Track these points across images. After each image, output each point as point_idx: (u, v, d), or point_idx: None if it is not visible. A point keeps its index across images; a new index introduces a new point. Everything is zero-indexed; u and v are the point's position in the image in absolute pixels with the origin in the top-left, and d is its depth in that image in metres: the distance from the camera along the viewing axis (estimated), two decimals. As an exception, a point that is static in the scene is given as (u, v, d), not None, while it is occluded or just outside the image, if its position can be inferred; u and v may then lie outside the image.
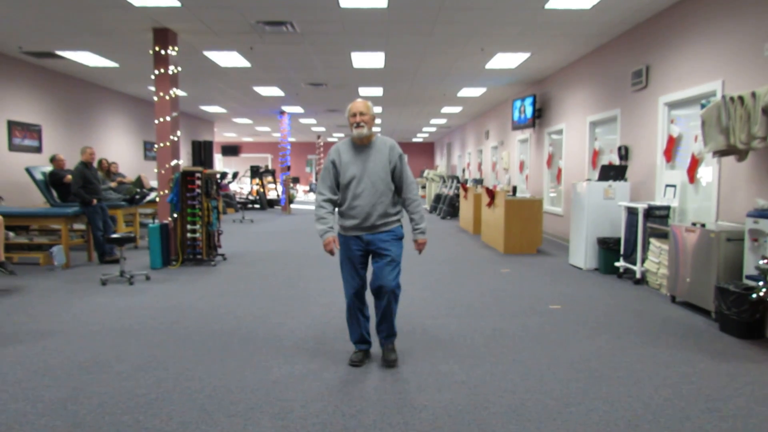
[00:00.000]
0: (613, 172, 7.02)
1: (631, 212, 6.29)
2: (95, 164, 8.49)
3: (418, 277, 6.39)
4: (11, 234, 7.91)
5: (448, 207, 15.07)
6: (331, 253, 3.40)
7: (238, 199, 18.35)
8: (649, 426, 2.65)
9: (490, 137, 16.26)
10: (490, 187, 9.57)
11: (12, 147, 9.17)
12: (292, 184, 21.57)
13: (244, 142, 29.94)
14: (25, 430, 2.66)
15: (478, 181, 14.96)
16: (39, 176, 8.40)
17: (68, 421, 2.76)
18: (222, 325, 4.46)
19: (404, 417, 2.76)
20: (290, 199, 17.70)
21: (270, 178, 20.28)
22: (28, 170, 8.43)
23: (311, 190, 28.49)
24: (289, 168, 17.55)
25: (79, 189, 7.30)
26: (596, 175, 8.12)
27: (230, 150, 25.65)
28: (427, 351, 3.78)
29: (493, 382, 3.21)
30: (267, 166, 27.22)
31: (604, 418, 2.73)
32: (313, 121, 19.92)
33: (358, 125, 3.41)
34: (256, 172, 19.56)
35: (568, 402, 2.93)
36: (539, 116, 11.29)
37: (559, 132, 10.32)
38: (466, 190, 12.28)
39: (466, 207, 12.10)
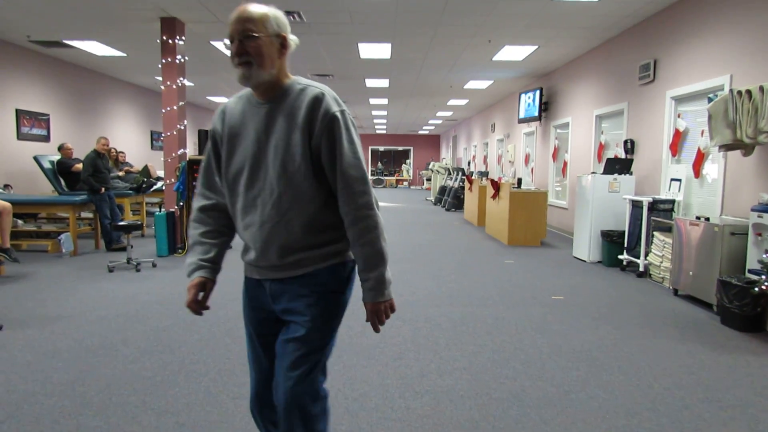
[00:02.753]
0: (618, 166, 7.02)
1: (636, 205, 6.30)
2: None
3: (422, 267, 6.42)
4: (20, 222, 8.00)
5: (453, 199, 15.08)
6: (194, 310, 1.77)
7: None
8: (648, 414, 2.68)
9: (496, 130, 16.24)
10: (495, 180, 9.58)
11: (20, 136, 9.23)
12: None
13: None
14: (34, 410, 2.72)
15: (484, 174, 14.97)
16: (47, 165, 8.47)
17: (76, 401, 2.82)
18: (227, 311, 4.51)
19: (406, 401, 2.80)
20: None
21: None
22: (36, 159, 8.50)
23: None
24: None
25: (88, 177, 7.36)
26: (602, 168, 8.12)
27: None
28: (430, 339, 3.82)
29: (494, 369, 3.25)
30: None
31: (604, 406, 2.77)
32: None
33: (240, 57, 1.56)
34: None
35: (569, 389, 2.97)
36: (545, 109, 11.27)
37: (566, 125, 10.30)
38: (471, 182, 12.28)
39: (470, 199, 12.12)
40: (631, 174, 6.98)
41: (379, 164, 31.00)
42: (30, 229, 8.03)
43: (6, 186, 8.58)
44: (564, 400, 2.83)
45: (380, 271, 1.61)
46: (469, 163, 21.01)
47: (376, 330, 1.68)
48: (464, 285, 5.54)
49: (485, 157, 18.03)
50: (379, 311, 1.63)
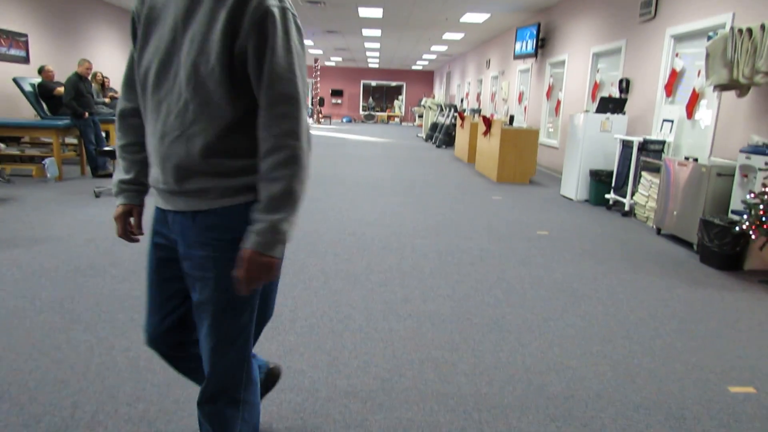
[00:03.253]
0: (611, 105, 6.96)
1: (626, 145, 6.29)
2: (90, 78, 8.32)
3: (411, 201, 6.45)
4: (2, 145, 7.84)
5: (444, 136, 14.97)
6: (127, 240, 1.55)
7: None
8: (622, 341, 2.79)
9: (491, 66, 15.93)
10: (487, 117, 9.48)
11: (-1, 55, 8.90)
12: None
13: (239, 63, 29.13)
14: (24, 324, 2.76)
15: (476, 111, 14.80)
16: (28, 88, 8.20)
17: (66, 317, 2.86)
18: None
19: (389, 324, 2.88)
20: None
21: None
22: (15, 81, 8.23)
23: (308, 114, 28.07)
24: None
25: (71, 101, 7.17)
26: (595, 107, 8.05)
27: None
28: (415, 267, 3.89)
29: (476, 297, 3.33)
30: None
31: (580, 333, 2.87)
32: (310, 42, 19.34)
33: None
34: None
35: (547, 317, 3.06)
36: (542, 46, 11.02)
37: (561, 63, 10.11)
38: (463, 119, 12.16)
39: (462, 136, 12.04)
40: (623, 114, 6.93)
41: (371, 100, 30.46)
42: (13, 153, 7.89)
43: (-13, 107, 8.34)
44: (542, 326, 2.93)
45: (282, 217, 1.23)
46: (462, 100, 20.72)
47: (240, 291, 1.27)
48: (451, 219, 5.59)
49: (479, 95, 17.77)
50: (255, 266, 1.24)
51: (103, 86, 10.06)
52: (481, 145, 9.80)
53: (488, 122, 9.24)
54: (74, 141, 8.49)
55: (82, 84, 7.30)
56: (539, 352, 2.61)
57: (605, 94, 8.14)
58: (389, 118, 30.34)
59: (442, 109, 16.99)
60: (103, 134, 7.82)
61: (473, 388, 2.25)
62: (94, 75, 9.79)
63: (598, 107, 7.04)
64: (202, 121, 1.24)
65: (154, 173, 1.35)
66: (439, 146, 15.04)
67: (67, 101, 7.21)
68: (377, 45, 19.26)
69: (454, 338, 2.73)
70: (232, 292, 1.32)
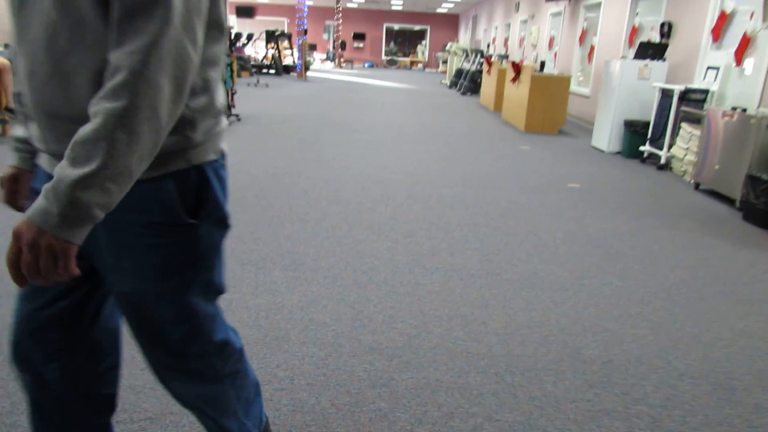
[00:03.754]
0: (651, 51, 6.54)
1: (666, 94, 5.94)
2: None
3: (435, 148, 6.23)
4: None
5: (469, 83, 14.48)
6: (14, 207, 1.16)
7: (252, 63, 17.72)
8: (662, 303, 2.63)
9: (521, 10, 15.19)
10: (517, 62, 9.05)
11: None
12: (308, 51, 20.71)
13: (259, 4, 28.35)
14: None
15: (503, 57, 14.23)
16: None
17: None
18: (235, 180, 4.41)
19: (415, 277, 2.76)
20: (306, 66, 17.06)
21: (286, 43, 19.43)
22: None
23: (328, 58, 27.44)
24: (305, 32, 16.71)
25: None
26: (632, 53, 7.60)
27: (245, 11, 24.33)
28: (441, 218, 3.73)
29: (506, 251, 3.18)
30: (283, 31, 26.03)
31: (617, 293, 2.71)
32: (332, -19, 18.60)
33: None
34: (271, 35, 18.69)
35: (582, 275, 2.91)
36: (578, -13, 10.39)
37: (597, 6, 9.54)
38: (490, 64, 11.68)
39: (488, 82, 11.60)
40: (664, 60, 6.52)
41: (392, 44, 29.56)
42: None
43: (6, 45, 8.18)
44: (576, 284, 2.78)
45: (84, 174, 0.78)
46: (488, 45, 19.95)
47: (16, 280, 0.84)
48: (478, 168, 5.38)
49: (506, 40, 17.06)
50: (28, 247, 0.80)
51: None
52: (508, 92, 9.42)
53: (517, 68, 8.84)
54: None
55: None
56: (574, 312, 2.47)
57: (644, 39, 7.67)
58: (412, 63, 29.52)
59: (467, 55, 16.38)
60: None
61: (505, 349, 2.13)
62: None
63: (637, 53, 6.63)
64: (78, 52, 0.86)
65: (32, 127, 0.98)
66: (464, 93, 14.58)
67: None
68: (402, -16, 18.43)
69: (483, 294, 2.60)
70: (163, 295, 1.03)
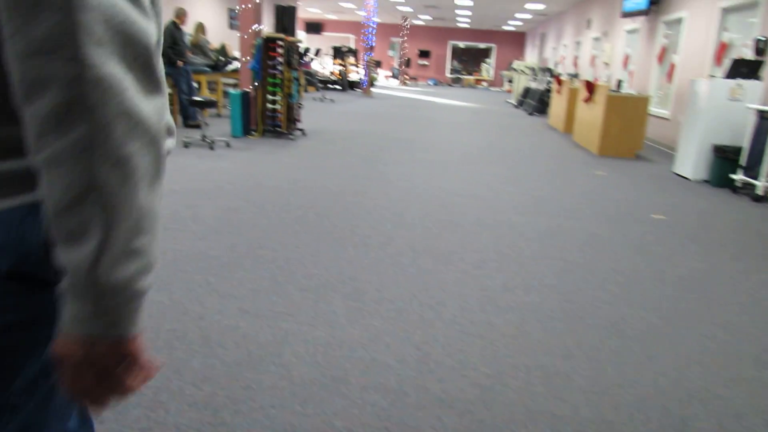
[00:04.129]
0: (745, 69, 6.02)
1: (764, 117, 5.42)
2: (196, 29, 8.37)
3: (503, 171, 5.95)
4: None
5: (537, 102, 14.05)
6: None
7: (319, 79, 17.96)
8: (776, 362, 2.27)
9: (592, 27, 14.66)
10: (590, 81, 8.63)
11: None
12: (374, 67, 20.85)
13: (327, 20, 28.91)
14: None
15: (573, 76, 13.73)
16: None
17: (142, 275, 2.70)
18: (298, 198, 4.30)
19: (487, 316, 2.51)
20: (371, 82, 17.12)
21: (352, 59, 19.62)
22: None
23: (394, 75, 27.54)
24: (372, 48, 16.78)
25: (167, 48, 7.14)
26: (721, 72, 7.06)
27: (313, 27, 24.85)
28: (513, 248, 3.46)
29: (588, 290, 2.88)
30: (350, 47, 26.40)
31: (724, 349, 2.36)
32: (401, -2, 18.67)
33: None
34: (338, 51, 18.92)
35: (678, 324, 2.57)
36: (656, 2, 9.86)
37: (678, 21, 8.99)
38: (560, 83, 11.26)
39: (558, 102, 11.17)
40: (759, 79, 5.99)
41: (455, 63, 29.34)
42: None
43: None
44: (673, 335, 2.45)
45: (88, 251, 0.54)
46: (556, 64, 19.41)
47: (84, 401, 0.63)
48: (549, 194, 5.06)
49: (575, 59, 16.51)
50: (87, 360, 0.58)
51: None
52: (580, 113, 8.99)
53: (591, 87, 8.42)
54: (168, 90, 8.55)
55: (177, 32, 7.26)
56: (674, 370, 2.15)
57: (735, 56, 7.12)
58: (477, 81, 29.19)
59: (535, 74, 15.95)
60: (195, 85, 7.80)
61: (594, 412, 1.85)
62: (200, 26, 9.65)
63: (729, 71, 6.12)
64: None
65: None
66: (531, 113, 14.16)
67: (163, 49, 7.19)
68: (470, 2, 18.27)
69: (565, 341, 2.32)
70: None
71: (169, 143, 0.78)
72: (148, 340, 2.12)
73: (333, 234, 3.50)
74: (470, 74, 29.56)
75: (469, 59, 29.89)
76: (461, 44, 29.28)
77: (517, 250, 3.43)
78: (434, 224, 3.86)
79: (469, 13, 21.73)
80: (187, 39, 8.26)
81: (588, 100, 8.54)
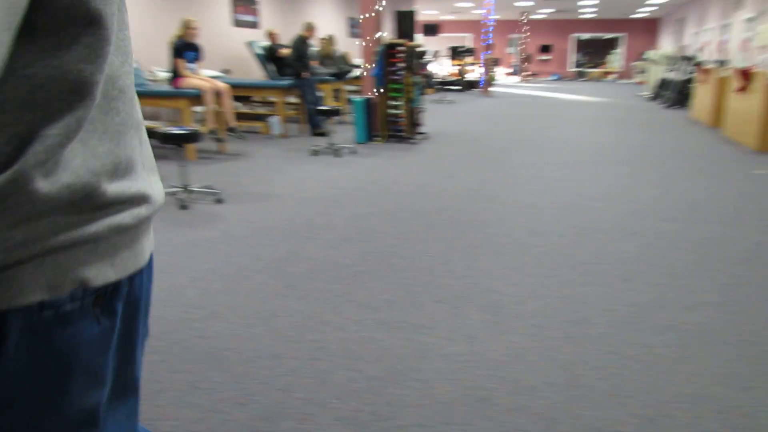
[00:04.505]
0: None
1: None
2: (327, 41, 8.81)
3: (642, 171, 5.49)
4: (238, 104, 8.62)
5: (675, 94, 12.89)
6: None
7: (437, 80, 17.96)
8: None
9: (745, 6, 13.14)
10: (744, 68, 7.71)
11: (235, 22, 9.74)
12: (492, 65, 20.43)
13: (443, 21, 28.85)
14: (245, 285, 2.78)
15: (721, 63, 12.41)
16: (258, 50, 8.86)
17: (282, 281, 2.82)
18: (425, 203, 4.28)
19: (641, 336, 2.28)
20: (490, 81, 16.79)
21: (470, 59, 19.38)
22: (249, 44, 8.93)
23: (514, 72, 26.82)
24: (490, 46, 16.44)
25: (295, 61, 7.51)
26: None
27: (430, 29, 24.91)
28: (664, 259, 3.15)
29: (762, 311, 2.53)
30: (466, 46, 26.13)
31: None
32: (521, -7, 18.10)
33: None
34: (455, 51, 18.80)
35: None
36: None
37: None
38: (706, 72, 10.22)
39: (703, 93, 10.14)
40: None
41: (579, 55, 27.83)
42: (245, 111, 8.64)
43: (226, 70, 9.24)
44: None
45: None
46: (697, 51, 17.69)
47: None
48: (700, 196, 4.57)
49: (722, 44, 14.92)
50: None
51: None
52: (734, 104, 8.08)
53: (747, 75, 7.52)
54: (296, 100, 8.99)
55: (303, 46, 7.60)
56: None
57: None
58: (603, 74, 27.51)
59: (673, 63, 14.65)
60: (320, 94, 8.11)
61: (786, 457, 1.60)
62: (331, 38, 10.00)
63: None
64: None
65: None
66: (669, 106, 13.04)
67: (291, 61, 7.57)
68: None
69: (739, 371, 2.04)
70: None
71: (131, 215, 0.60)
72: (291, 350, 2.19)
73: (464, 241, 3.42)
74: (595, 67, 27.95)
75: (594, 51, 28.26)
76: (585, 36, 27.78)
77: (668, 262, 3.12)
78: (571, 231, 3.64)
79: (595, 2, 20.53)
80: (312, 51, 8.57)
81: (743, 89, 7.65)
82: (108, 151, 0.55)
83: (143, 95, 6.13)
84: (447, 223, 3.81)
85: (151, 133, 7.67)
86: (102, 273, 0.57)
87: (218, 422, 1.76)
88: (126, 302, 0.62)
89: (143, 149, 0.64)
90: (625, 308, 2.54)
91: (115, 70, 0.56)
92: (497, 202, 4.34)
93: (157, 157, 6.19)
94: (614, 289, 2.75)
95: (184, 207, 4.15)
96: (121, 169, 0.57)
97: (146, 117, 7.74)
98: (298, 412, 1.79)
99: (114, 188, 0.56)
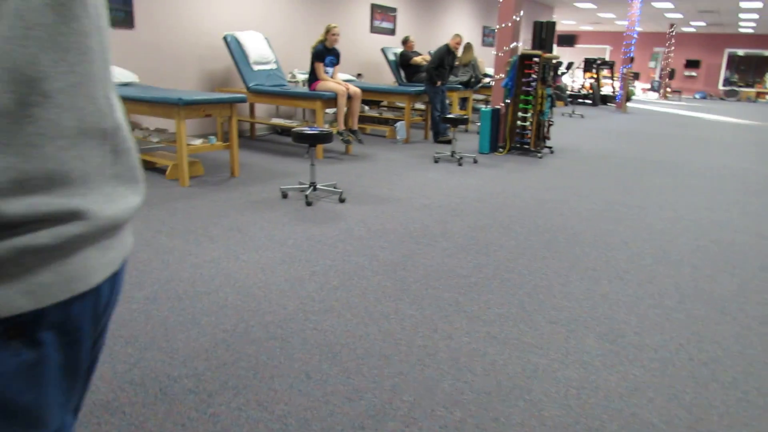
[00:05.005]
0: None
1: None
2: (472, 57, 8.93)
3: (800, 207, 4.90)
4: (366, 107, 8.95)
5: None
6: None
7: (569, 93, 17.29)
8: None
9: None
10: None
11: (373, 29, 10.11)
12: (631, 79, 19.25)
13: (581, 32, 27.68)
14: (361, 284, 2.89)
15: None
16: (391, 57, 9.13)
17: (396, 285, 2.90)
18: (546, 220, 4.17)
19: (783, 388, 2.06)
20: (627, 96, 15.84)
21: (606, 72, 18.42)
22: (383, 51, 9.23)
23: (652, 88, 25.08)
24: (632, 60, 15.50)
25: (432, 69, 7.59)
26: None
27: (566, 40, 24.04)
28: (817, 307, 2.80)
29: None
30: (603, 59, 24.86)
31: None
32: (669, 5, 16.89)
33: None
34: (590, 64, 17.96)
35: None
36: None
37: None
38: None
39: None
40: None
41: (729, 73, 25.26)
42: (373, 115, 8.94)
43: (359, 75, 9.63)
44: None
45: None
46: None
47: None
48: None
49: None
50: None
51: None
52: None
53: None
54: (422, 107, 9.15)
55: (447, 56, 7.65)
56: None
57: None
58: (758, 95, 24.81)
59: None
60: (447, 102, 8.17)
61: None
62: (470, 45, 9.86)
63: None
64: None
65: None
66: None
67: (428, 68, 7.67)
68: (759, 3, 15.60)
69: None
70: None
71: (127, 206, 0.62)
72: (400, 353, 2.25)
73: (584, 263, 3.29)
74: (749, 86, 25.26)
75: (748, 69, 25.55)
76: (740, 51, 25.23)
77: (824, 310, 2.77)
78: (706, 264, 3.35)
79: (755, 16, 18.60)
80: (453, 62, 8.57)
81: None
82: (8, 165, 0.48)
83: (281, 95, 6.58)
84: (568, 242, 3.68)
85: (287, 132, 8.20)
86: (8, 301, 0.49)
87: (327, 413, 1.86)
88: (61, 331, 0.55)
89: (109, 160, 0.58)
90: (763, 355, 2.30)
91: (41, 71, 0.48)
92: (624, 225, 4.11)
93: (289, 154, 6.61)
94: (751, 331, 2.50)
95: (309, 203, 4.40)
96: (33, 185, 0.49)
97: (283, 116, 8.29)
98: (404, 415, 1.85)
99: (19, 206, 0.48)
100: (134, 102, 5.07)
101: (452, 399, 1.93)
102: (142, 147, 6.13)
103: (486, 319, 2.54)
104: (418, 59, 8.80)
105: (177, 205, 4.28)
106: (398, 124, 7.72)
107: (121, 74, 5.73)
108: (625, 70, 15.27)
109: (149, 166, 5.59)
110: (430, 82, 7.66)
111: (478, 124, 7.29)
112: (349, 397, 1.94)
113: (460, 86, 9.34)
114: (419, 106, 9.40)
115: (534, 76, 6.92)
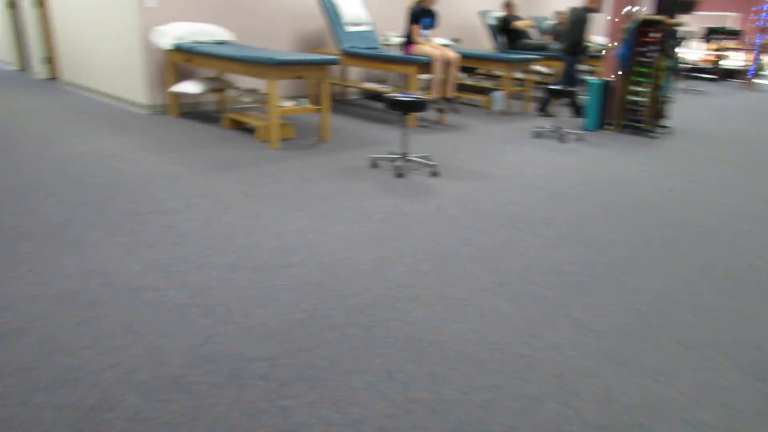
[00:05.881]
0: None
1: None
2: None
3: None
4: (462, 75, 8.47)
5: None
6: None
7: (685, 65, 15.71)
8: None
9: None
10: None
11: (474, -11, 9.50)
12: (766, 52, 17.17)
13: (706, -4, 24.98)
14: (453, 271, 2.61)
15: None
16: (491, 21, 8.53)
17: (493, 276, 2.59)
18: (667, 213, 3.65)
19: None
20: (760, 71, 14.13)
21: (732, 43, 16.52)
22: (481, 13, 8.64)
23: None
24: (763, 30, 13.73)
25: (570, 34, 6.83)
26: None
27: (684, 6, 21.79)
28: None
29: None
30: (730, 27, 22.31)
31: None
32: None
33: None
34: (713, 33, 16.16)
35: None
36: None
37: None
38: None
39: None
40: None
41: None
42: (469, 83, 8.45)
43: (456, 39, 9.12)
44: None
45: None
46: None
47: None
48: None
49: None
50: None
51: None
52: None
53: None
54: (522, 76, 8.52)
55: (588, 20, 6.87)
56: None
57: None
58: None
59: None
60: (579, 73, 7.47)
61: None
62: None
63: None
64: None
65: None
66: None
67: (567, 32, 6.93)
68: None
69: None
70: None
71: None
72: (496, 360, 1.95)
73: (718, 270, 2.80)
74: None
75: None
76: None
77: None
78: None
79: None
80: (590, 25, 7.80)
81: None
82: None
83: (375, 59, 6.28)
84: (695, 242, 3.18)
85: (379, 98, 7.93)
86: None
87: (409, 425, 1.62)
88: None
89: None
90: None
91: None
92: (766, 226, 3.51)
93: (379, 121, 6.35)
94: None
95: (400, 175, 4.14)
96: None
97: (374, 80, 8.01)
98: (503, 428, 1.57)
99: None
100: (228, 60, 4.98)
101: (556, 428, 1.63)
102: (235, 107, 6.10)
103: (597, 331, 2.18)
104: (520, 24, 8.12)
105: (265, 168, 4.16)
106: (496, 93, 7.22)
107: (218, 33, 5.68)
108: (760, 41, 13.57)
109: (241, 126, 5.54)
110: (571, 53, 6.92)
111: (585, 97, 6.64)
112: (435, 409, 1.69)
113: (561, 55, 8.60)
114: (519, 75, 8.77)
115: (653, 45, 6.16)
